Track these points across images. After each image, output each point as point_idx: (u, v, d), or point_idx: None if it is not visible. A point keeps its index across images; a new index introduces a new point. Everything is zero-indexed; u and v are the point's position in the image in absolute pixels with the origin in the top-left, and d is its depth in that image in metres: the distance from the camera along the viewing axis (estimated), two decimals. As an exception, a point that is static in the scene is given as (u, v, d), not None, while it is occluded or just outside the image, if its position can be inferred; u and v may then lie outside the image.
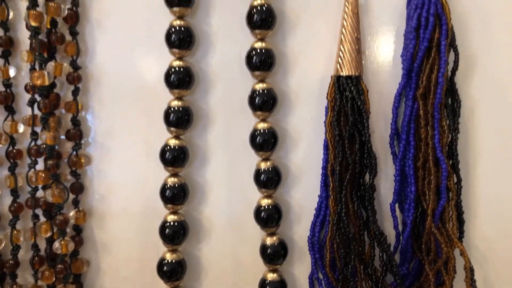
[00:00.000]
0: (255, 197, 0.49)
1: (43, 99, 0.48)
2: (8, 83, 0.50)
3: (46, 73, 0.47)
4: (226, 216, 0.51)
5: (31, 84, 0.49)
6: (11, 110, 0.50)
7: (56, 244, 0.50)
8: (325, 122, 0.48)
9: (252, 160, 0.49)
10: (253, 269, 0.50)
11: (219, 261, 0.51)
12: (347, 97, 0.46)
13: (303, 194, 0.50)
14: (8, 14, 0.49)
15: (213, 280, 0.52)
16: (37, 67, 0.47)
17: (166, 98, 0.49)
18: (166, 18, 0.47)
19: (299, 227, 0.51)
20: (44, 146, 0.48)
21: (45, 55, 0.48)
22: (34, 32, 0.47)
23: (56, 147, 0.50)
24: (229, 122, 0.50)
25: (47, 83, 0.47)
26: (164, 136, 0.49)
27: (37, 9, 0.47)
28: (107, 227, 0.52)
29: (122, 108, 0.51)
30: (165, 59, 0.48)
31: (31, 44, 0.48)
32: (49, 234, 0.49)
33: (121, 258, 0.52)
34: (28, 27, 0.48)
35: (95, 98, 0.51)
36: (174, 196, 0.49)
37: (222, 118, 0.50)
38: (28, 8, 0.46)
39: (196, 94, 0.50)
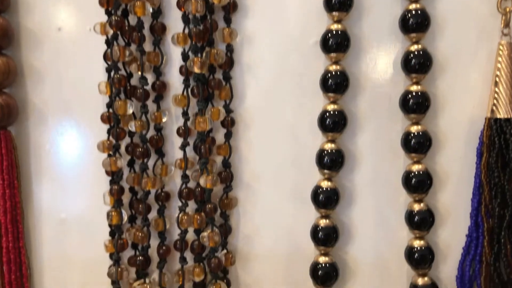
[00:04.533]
0: (403, 237, 0.50)
1: (203, 143, 0.48)
2: (159, 127, 0.50)
3: (208, 118, 0.47)
4: (372, 256, 0.52)
5: (183, 128, 0.49)
6: (161, 154, 0.51)
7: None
8: (477, 163, 0.49)
9: (401, 201, 0.50)
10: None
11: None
12: (507, 140, 0.47)
13: (449, 233, 0.51)
14: (162, 60, 0.50)
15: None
16: (190, 114, 0.48)
17: (315, 141, 0.50)
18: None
19: (445, 266, 0.51)
20: (199, 189, 0.49)
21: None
22: (197, 78, 0.47)
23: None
24: (378, 164, 0.51)
25: (208, 128, 0.48)
26: (314, 178, 0.50)
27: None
28: (252, 268, 0.52)
29: (270, 151, 0.51)
30: (316, 104, 0.49)
31: (186, 90, 0.49)
32: (202, 277, 0.50)
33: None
34: (183, 71, 0.49)
35: (243, 140, 0.51)
36: (326, 238, 0.49)
37: (372, 160, 0.51)
38: (185, 58, 0.48)
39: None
